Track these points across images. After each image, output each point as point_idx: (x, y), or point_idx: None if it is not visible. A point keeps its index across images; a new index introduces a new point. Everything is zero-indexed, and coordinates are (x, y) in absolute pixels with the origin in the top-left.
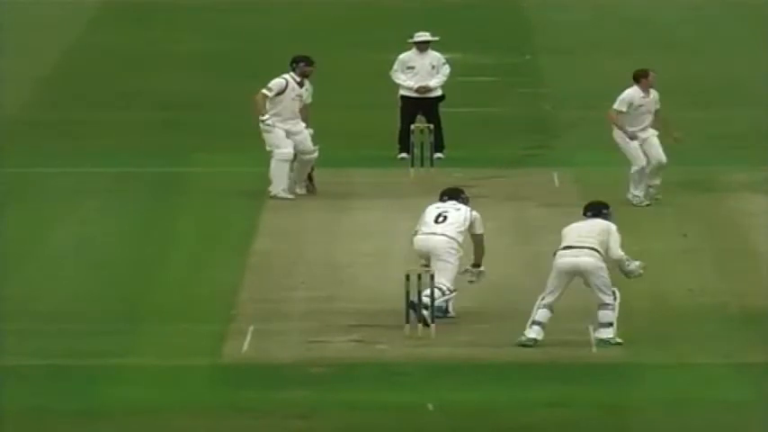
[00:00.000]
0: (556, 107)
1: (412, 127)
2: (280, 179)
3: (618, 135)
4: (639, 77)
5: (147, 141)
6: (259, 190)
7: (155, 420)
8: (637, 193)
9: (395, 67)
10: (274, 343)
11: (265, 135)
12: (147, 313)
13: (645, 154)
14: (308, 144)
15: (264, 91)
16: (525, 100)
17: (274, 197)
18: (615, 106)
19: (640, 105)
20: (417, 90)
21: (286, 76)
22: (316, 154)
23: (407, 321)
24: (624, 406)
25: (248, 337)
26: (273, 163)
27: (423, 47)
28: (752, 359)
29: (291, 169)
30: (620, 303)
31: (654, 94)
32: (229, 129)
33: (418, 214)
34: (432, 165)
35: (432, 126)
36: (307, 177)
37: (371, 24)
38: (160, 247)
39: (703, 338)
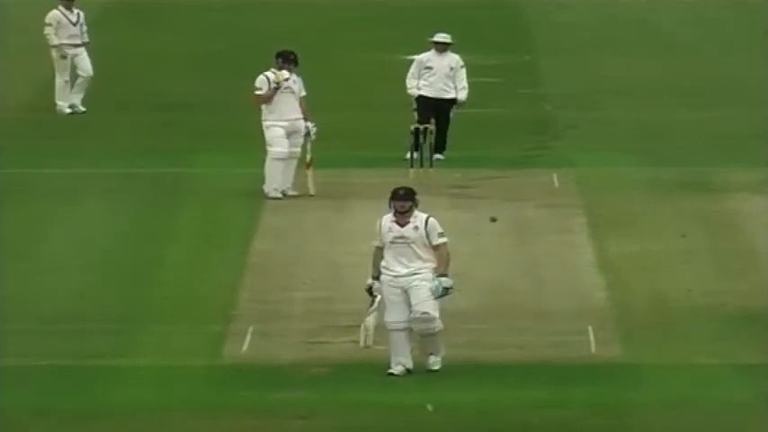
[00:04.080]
0: (556, 107)
1: (411, 128)
2: (271, 178)
3: None
4: None
5: (146, 142)
6: (259, 190)
7: (155, 420)
8: None
9: (411, 69)
10: (274, 343)
11: (265, 132)
12: (147, 313)
13: None
14: (299, 147)
15: (256, 92)
16: (525, 100)
17: (266, 196)
18: None
19: None
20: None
21: (267, 72)
22: (298, 148)
23: None
24: (623, 406)
25: (248, 338)
26: (267, 161)
27: (441, 48)
28: (752, 359)
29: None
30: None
31: None
32: (229, 129)
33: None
34: (431, 165)
35: (432, 128)
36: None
37: (373, 24)
38: (160, 248)
39: (703, 338)
